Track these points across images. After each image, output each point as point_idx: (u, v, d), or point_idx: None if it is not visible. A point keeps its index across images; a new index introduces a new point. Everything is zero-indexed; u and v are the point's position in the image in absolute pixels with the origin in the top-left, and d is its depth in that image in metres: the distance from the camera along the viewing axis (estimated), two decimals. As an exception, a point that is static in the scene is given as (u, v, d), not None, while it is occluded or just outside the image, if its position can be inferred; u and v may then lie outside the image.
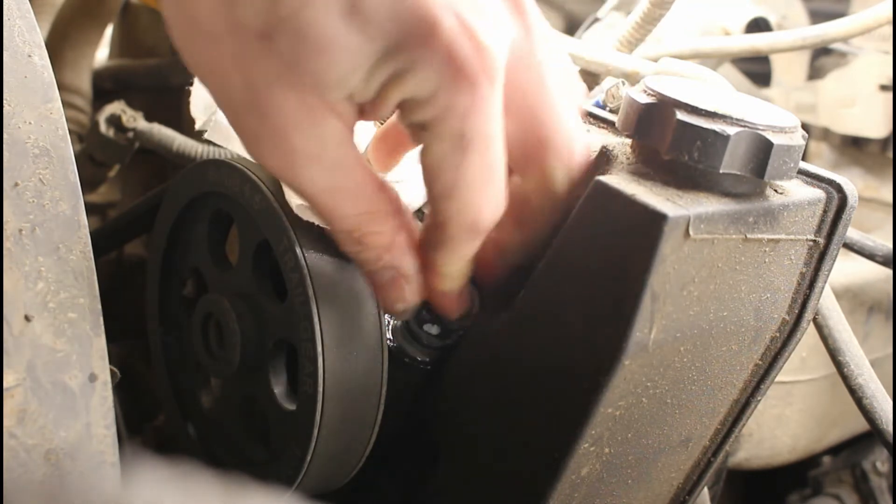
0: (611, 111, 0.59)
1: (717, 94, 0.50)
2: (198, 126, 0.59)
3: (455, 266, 0.51)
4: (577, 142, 0.50)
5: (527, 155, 0.50)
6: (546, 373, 0.50)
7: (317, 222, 0.52)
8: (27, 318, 0.46)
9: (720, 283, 0.49)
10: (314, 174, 0.48)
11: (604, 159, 0.52)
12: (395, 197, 0.51)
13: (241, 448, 0.61)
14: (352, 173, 0.49)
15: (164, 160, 0.91)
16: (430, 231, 0.51)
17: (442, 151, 0.47)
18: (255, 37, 0.45)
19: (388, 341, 0.55)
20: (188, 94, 0.59)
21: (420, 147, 0.49)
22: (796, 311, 0.53)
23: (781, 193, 0.51)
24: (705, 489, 0.66)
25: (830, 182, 0.52)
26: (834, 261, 0.53)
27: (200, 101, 0.59)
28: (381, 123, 0.56)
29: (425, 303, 0.55)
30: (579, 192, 0.49)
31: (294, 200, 0.52)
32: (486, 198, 0.48)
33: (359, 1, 0.44)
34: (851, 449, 1.11)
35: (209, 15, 0.45)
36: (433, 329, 0.56)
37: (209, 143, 0.88)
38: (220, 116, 0.57)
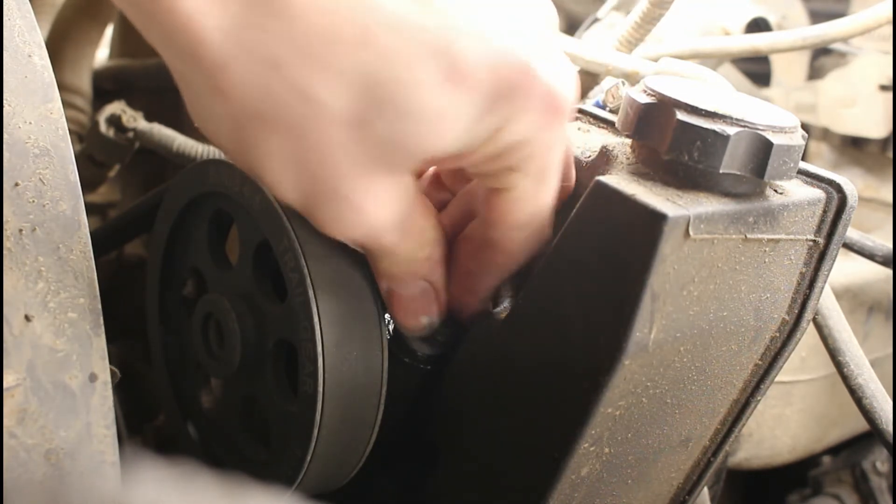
0: (611, 111, 0.59)
1: (717, 94, 0.50)
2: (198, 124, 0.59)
3: (487, 281, 0.53)
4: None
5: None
6: (546, 373, 0.50)
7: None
8: (27, 318, 0.46)
9: (720, 283, 0.49)
10: (392, 233, 0.48)
11: (604, 159, 0.52)
12: (434, 210, 0.52)
13: (241, 448, 0.61)
14: (416, 213, 0.49)
15: (164, 160, 0.91)
16: (477, 249, 0.52)
17: (525, 187, 0.49)
18: (343, 125, 0.43)
19: (388, 341, 0.55)
20: None
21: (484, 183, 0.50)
22: (796, 311, 0.53)
23: (781, 193, 0.51)
24: (705, 489, 0.66)
25: (830, 182, 0.52)
26: (834, 261, 0.53)
27: None
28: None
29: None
30: (579, 193, 0.49)
31: None
32: (547, 212, 0.51)
33: (456, 63, 0.43)
34: (851, 449, 1.11)
35: (290, 109, 0.43)
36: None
37: (209, 142, 0.88)
38: None
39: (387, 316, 0.55)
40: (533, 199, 0.50)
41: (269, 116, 0.43)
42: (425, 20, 0.42)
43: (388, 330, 0.55)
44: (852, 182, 0.52)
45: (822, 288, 0.53)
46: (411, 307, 0.53)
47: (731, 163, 0.47)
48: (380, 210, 0.46)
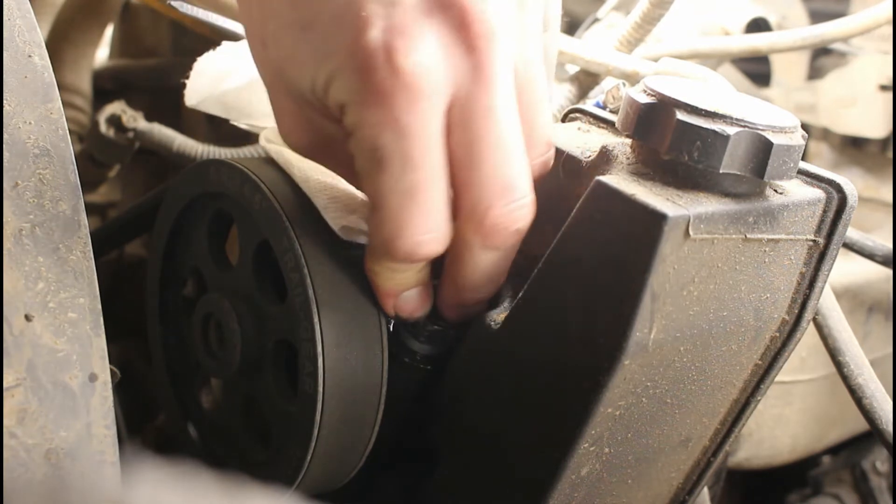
0: (611, 111, 0.59)
1: (717, 94, 0.50)
2: (189, 105, 0.60)
3: (393, 282, 0.52)
4: (504, 186, 0.48)
5: (456, 192, 0.48)
6: (546, 373, 0.50)
7: (360, 240, 0.53)
8: (27, 318, 0.46)
9: (720, 282, 0.49)
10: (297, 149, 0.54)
11: (604, 159, 0.52)
12: None
13: (241, 448, 0.61)
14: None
15: (164, 160, 0.92)
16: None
17: (359, 164, 0.48)
18: (260, 43, 0.50)
19: (388, 341, 0.55)
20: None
21: None
22: (796, 311, 0.53)
23: (781, 193, 0.51)
24: (705, 489, 0.67)
25: (830, 182, 0.52)
26: (834, 261, 0.53)
27: (195, 93, 0.59)
28: None
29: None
30: (579, 193, 0.49)
31: (337, 221, 0.52)
32: (405, 221, 0.47)
33: (314, 18, 0.46)
34: (851, 449, 1.11)
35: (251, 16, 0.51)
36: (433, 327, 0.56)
37: (209, 143, 0.88)
38: (220, 93, 0.58)
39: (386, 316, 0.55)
40: (371, 183, 0.47)
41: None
42: None
43: (388, 330, 0.55)
44: (852, 182, 0.52)
45: (822, 288, 0.53)
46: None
47: (731, 163, 0.47)
48: (287, 130, 0.52)
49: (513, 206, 0.48)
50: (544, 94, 0.51)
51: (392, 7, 0.45)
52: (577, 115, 0.59)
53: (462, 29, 0.46)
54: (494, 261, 0.51)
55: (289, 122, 0.52)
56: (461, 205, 0.48)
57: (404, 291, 0.52)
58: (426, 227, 0.47)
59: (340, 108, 0.47)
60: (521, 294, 0.51)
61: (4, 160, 0.47)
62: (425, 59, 0.45)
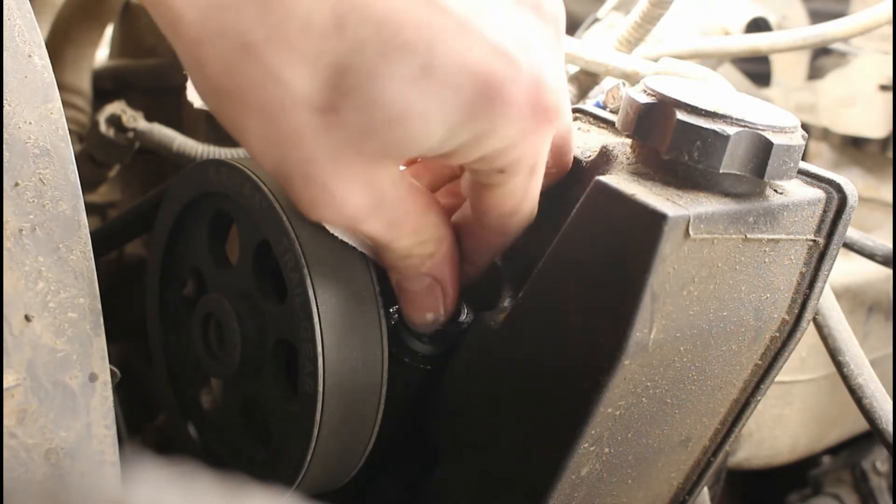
0: (611, 111, 0.59)
1: (717, 94, 0.50)
2: (196, 106, 0.59)
3: (489, 258, 0.55)
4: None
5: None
6: (546, 373, 0.50)
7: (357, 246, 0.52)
8: (27, 318, 0.46)
9: (720, 282, 0.49)
10: (375, 221, 0.48)
11: (604, 159, 0.52)
12: (442, 209, 0.52)
13: (241, 448, 0.61)
14: (408, 205, 0.49)
15: (164, 160, 0.92)
16: (474, 232, 0.53)
17: (516, 183, 0.49)
18: (313, 111, 0.43)
19: (388, 341, 0.55)
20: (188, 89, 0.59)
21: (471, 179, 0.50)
22: (796, 311, 0.53)
23: (781, 193, 0.51)
24: (705, 489, 0.67)
25: (830, 182, 0.52)
26: (834, 261, 0.53)
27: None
28: None
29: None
30: (579, 193, 0.49)
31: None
32: (533, 206, 0.51)
33: (431, 64, 0.42)
34: (851, 449, 1.11)
35: (262, 91, 0.43)
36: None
37: (209, 143, 0.88)
38: None
39: (390, 311, 0.55)
40: (522, 192, 0.50)
41: (242, 96, 0.44)
42: (409, 14, 0.42)
43: (388, 330, 0.55)
44: (852, 182, 0.52)
45: (822, 288, 0.53)
46: (417, 303, 0.53)
47: (731, 163, 0.47)
48: (353, 197, 0.46)
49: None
50: None
51: (513, 42, 0.44)
52: (577, 115, 0.59)
53: (541, 14, 0.47)
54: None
55: (357, 187, 0.46)
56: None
57: None
58: None
59: (484, 157, 0.46)
60: (521, 294, 0.51)
61: (4, 160, 0.47)
62: (555, 66, 0.47)
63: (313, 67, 0.42)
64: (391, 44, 0.42)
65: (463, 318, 0.55)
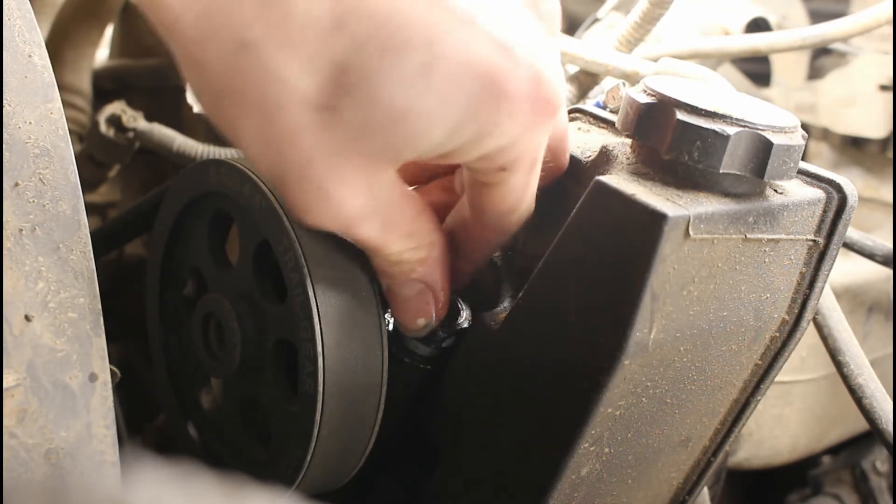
0: (611, 111, 0.59)
1: (717, 94, 0.50)
2: (196, 110, 0.59)
3: (486, 256, 0.54)
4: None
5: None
6: (546, 373, 0.50)
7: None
8: (27, 318, 0.46)
9: (720, 282, 0.49)
10: (369, 224, 0.48)
11: (604, 159, 0.52)
12: (433, 213, 0.51)
13: (241, 448, 0.61)
14: (401, 208, 0.49)
15: (164, 160, 0.92)
16: (469, 233, 0.53)
17: (517, 181, 0.49)
18: (312, 108, 0.43)
19: (388, 341, 0.55)
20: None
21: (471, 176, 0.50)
22: (796, 311, 0.53)
23: (781, 193, 0.51)
24: (705, 489, 0.67)
25: (830, 182, 0.52)
26: (834, 261, 0.53)
27: None
28: None
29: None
30: (579, 193, 0.49)
31: None
32: (528, 200, 0.51)
33: (433, 62, 0.42)
34: (851, 449, 1.11)
35: (260, 90, 0.43)
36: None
37: (209, 143, 0.88)
38: None
39: (387, 316, 0.55)
40: (522, 189, 0.49)
41: (240, 95, 0.43)
42: (409, 11, 0.42)
43: (388, 330, 0.55)
44: (852, 182, 0.52)
45: (822, 288, 0.53)
46: (408, 308, 0.53)
47: (731, 163, 0.47)
48: (349, 198, 0.46)
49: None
50: None
51: (513, 40, 0.44)
52: (577, 115, 0.59)
53: (542, 16, 0.47)
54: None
55: (354, 189, 0.46)
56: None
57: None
58: None
59: (498, 150, 0.46)
60: (521, 294, 0.51)
61: (4, 160, 0.47)
62: (554, 61, 0.46)
63: (313, 65, 0.42)
64: (392, 41, 0.42)
65: (462, 318, 0.55)
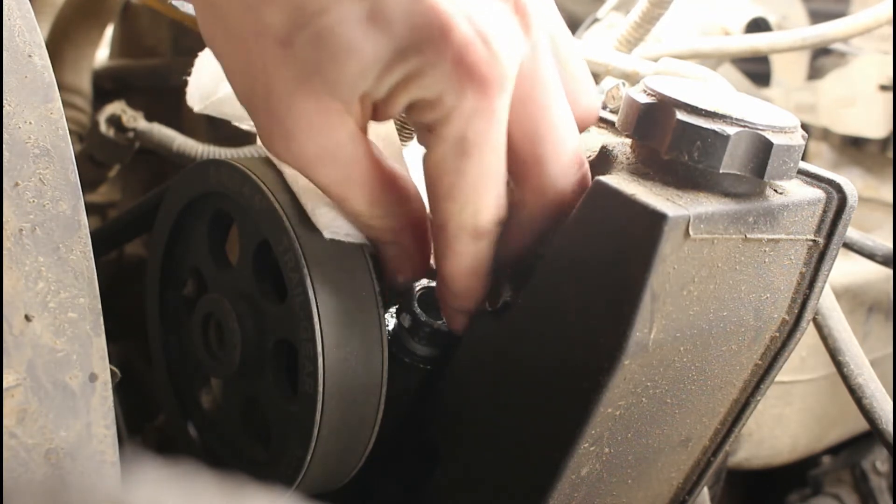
0: (611, 111, 0.59)
1: (717, 94, 0.50)
2: (196, 110, 0.59)
3: (458, 267, 0.52)
4: (571, 159, 0.51)
5: (523, 166, 0.51)
6: (546, 373, 0.50)
7: (344, 240, 0.53)
8: (27, 318, 0.46)
9: (720, 282, 0.49)
10: (329, 170, 0.49)
11: (604, 159, 0.52)
12: (405, 185, 0.52)
13: (241, 448, 0.61)
14: (364, 168, 0.50)
15: (164, 160, 0.92)
16: (434, 234, 0.52)
17: (444, 153, 0.48)
18: (277, 43, 0.46)
19: (388, 341, 0.55)
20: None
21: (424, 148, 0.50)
22: (796, 311, 0.53)
23: (781, 193, 0.51)
24: (705, 489, 0.67)
25: (830, 182, 0.52)
26: (834, 261, 0.53)
27: (196, 91, 0.59)
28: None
29: (426, 304, 0.56)
30: (579, 193, 0.49)
31: (326, 223, 0.52)
32: (485, 201, 0.49)
33: (378, 6, 0.45)
34: (851, 449, 1.11)
35: (237, 19, 0.47)
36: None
37: (209, 143, 0.88)
38: (224, 94, 0.58)
39: (387, 316, 0.55)
40: (454, 170, 0.48)
41: (228, 24, 0.47)
42: None
43: (388, 330, 0.55)
44: (852, 182, 0.52)
45: (822, 288, 0.53)
46: (388, 265, 0.55)
47: (731, 163, 0.47)
48: (304, 136, 0.48)
49: (579, 173, 0.51)
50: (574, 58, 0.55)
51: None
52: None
53: (518, 10, 0.48)
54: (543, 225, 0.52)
55: (308, 126, 0.48)
56: (527, 178, 0.51)
57: (485, 264, 0.53)
58: (501, 202, 0.50)
59: (415, 104, 0.47)
60: (520, 294, 0.51)
61: (4, 160, 0.47)
62: (513, 44, 0.47)
63: (280, 1, 0.45)
64: None
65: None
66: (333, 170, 0.49)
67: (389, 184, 0.51)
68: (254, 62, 0.47)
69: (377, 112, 0.49)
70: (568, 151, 0.50)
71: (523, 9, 0.48)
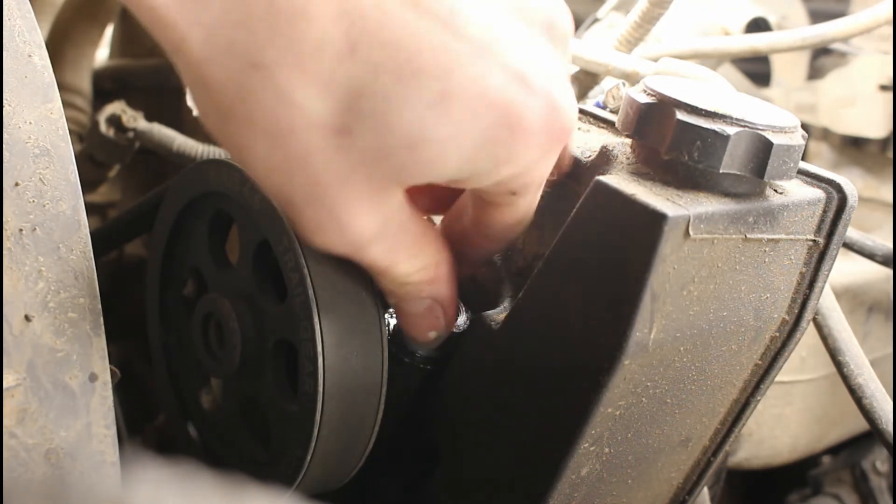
0: (611, 111, 0.59)
1: (717, 94, 0.50)
2: (197, 114, 0.59)
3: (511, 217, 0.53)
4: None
5: None
6: (546, 373, 0.50)
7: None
8: (27, 318, 0.46)
9: (720, 282, 0.49)
10: (381, 245, 0.47)
11: (604, 159, 0.52)
12: (437, 231, 0.52)
13: (241, 448, 0.61)
14: (408, 231, 0.48)
15: (164, 160, 0.92)
16: (467, 242, 0.53)
17: (526, 201, 0.49)
18: (328, 133, 0.43)
19: (388, 341, 0.55)
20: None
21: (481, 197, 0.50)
22: (796, 311, 0.53)
23: (781, 193, 0.51)
24: (705, 489, 0.67)
25: (830, 182, 0.52)
26: (834, 261, 0.53)
27: None
28: None
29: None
30: (579, 193, 0.49)
31: None
32: (527, 220, 0.52)
33: (449, 90, 0.42)
34: (851, 449, 1.11)
35: (271, 113, 0.42)
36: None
37: (209, 143, 0.88)
38: None
39: (387, 316, 0.55)
40: (528, 207, 0.50)
41: (250, 116, 0.43)
42: (425, 39, 0.42)
43: (388, 330, 0.55)
44: (852, 182, 0.52)
45: (822, 288, 0.53)
46: (418, 324, 0.53)
47: (731, 163, 0.47)
48: (360, 223, 0.46)
49: None
50: None
51: (529, 67, 0.44)
52: (578, 115, 0.59)
53: (554, 39, 0.47)
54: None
55: (366, 211, 0.46)
56: None
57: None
58: None
59: (511, 177, 0.46)
60: (521, 294, 0.51)
61: (4, 160, 0.47)
62: (567, 90, 0.46)
63: (326, 89, 0.42)
64: (407, 69, 0.41)
65: (462, 319, 0.55)
66: (384, 243, 0.47)
67: (426, 233, 0.50)
68: (292, 155, 0.43)
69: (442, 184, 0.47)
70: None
71: (556, 31, 0.47)
